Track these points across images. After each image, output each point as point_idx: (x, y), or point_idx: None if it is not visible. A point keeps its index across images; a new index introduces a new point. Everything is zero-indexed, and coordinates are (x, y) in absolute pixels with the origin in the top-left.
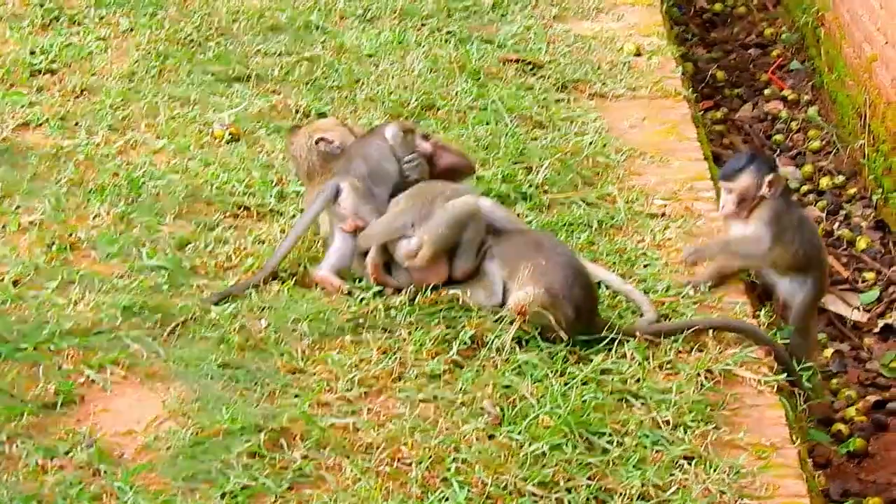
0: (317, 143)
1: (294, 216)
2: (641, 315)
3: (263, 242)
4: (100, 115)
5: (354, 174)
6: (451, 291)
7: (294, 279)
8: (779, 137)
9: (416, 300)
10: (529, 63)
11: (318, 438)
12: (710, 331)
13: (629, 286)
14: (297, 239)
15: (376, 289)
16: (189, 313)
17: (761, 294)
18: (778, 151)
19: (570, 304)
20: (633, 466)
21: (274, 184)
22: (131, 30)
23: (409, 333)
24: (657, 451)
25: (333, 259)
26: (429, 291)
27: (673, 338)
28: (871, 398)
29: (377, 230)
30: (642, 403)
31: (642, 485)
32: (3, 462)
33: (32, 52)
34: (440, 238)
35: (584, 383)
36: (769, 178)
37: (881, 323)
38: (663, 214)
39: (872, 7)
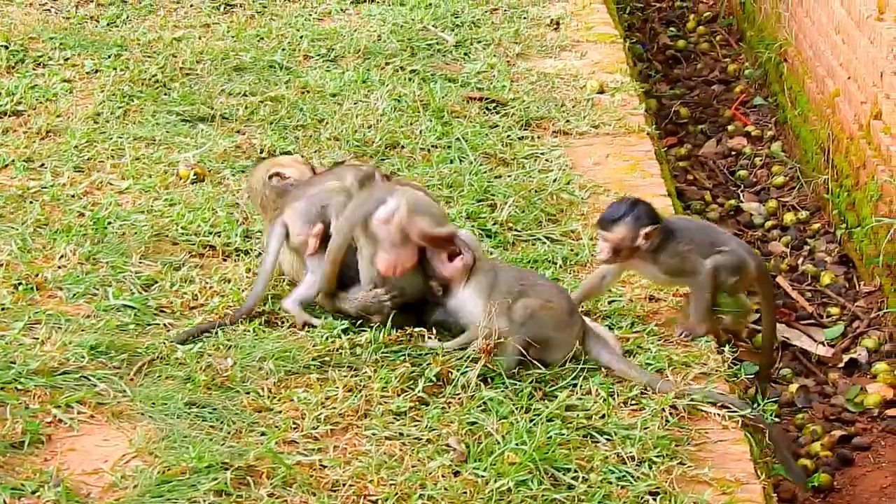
0: (271, 177)
1: (259, 255)
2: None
3: (229, 281)
4: (65, 156)
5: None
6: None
7: (259, 318)
8: (742, 173)
9: (381, 337)
10: (493, 101)
11: (284, 476)
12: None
13: (592, 322)
14: (266, 283)
15: (342, 326)
16: (155, 352)
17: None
18: (742, 187)
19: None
20: (599, 502)
21: (239, 223)
22: (96, 71)
23: (375, 371)
24: (622, 487)
25: (301, 290)
26: (394, 330)
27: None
28: (837, 433)
29: (347, 218)
30: (607, 439)
31: None
32: None
33: None
34: (416, 197)
35: (550, 420)
36: (645, 230)
37: (846, 358)
38: None
39: (835, 42)
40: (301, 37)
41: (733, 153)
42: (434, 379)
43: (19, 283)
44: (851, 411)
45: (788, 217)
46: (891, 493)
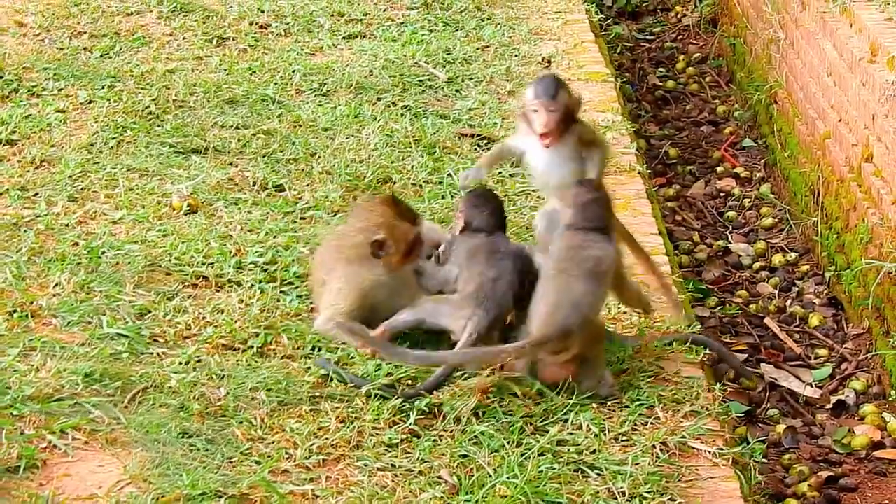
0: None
1: (252, 286)
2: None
3: (222, 312)
4: (59, 185)
5: None
6: None
7: (251, 349)
8: (731, 214)
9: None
10: (484, 138)
11: None
12: None
13: None
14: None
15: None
16: (149, 381)
17: None
18: (730, 228)
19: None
20: None
21: (232, 254)
22: (90, 102)
23: (367, 402)
24: None
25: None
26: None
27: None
28: (824, 474)
29: None
30: (598, 474)
31: None
32: None
33: None
34: None
35: (541, 454)
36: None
37: (834, 399)
38: None
39: (826, 84)
40: (293, 71)
41: (722, 194)
42: (426, 410)
43: (14, 311)
44: (839, 452)
45: (777, 258)
46: None
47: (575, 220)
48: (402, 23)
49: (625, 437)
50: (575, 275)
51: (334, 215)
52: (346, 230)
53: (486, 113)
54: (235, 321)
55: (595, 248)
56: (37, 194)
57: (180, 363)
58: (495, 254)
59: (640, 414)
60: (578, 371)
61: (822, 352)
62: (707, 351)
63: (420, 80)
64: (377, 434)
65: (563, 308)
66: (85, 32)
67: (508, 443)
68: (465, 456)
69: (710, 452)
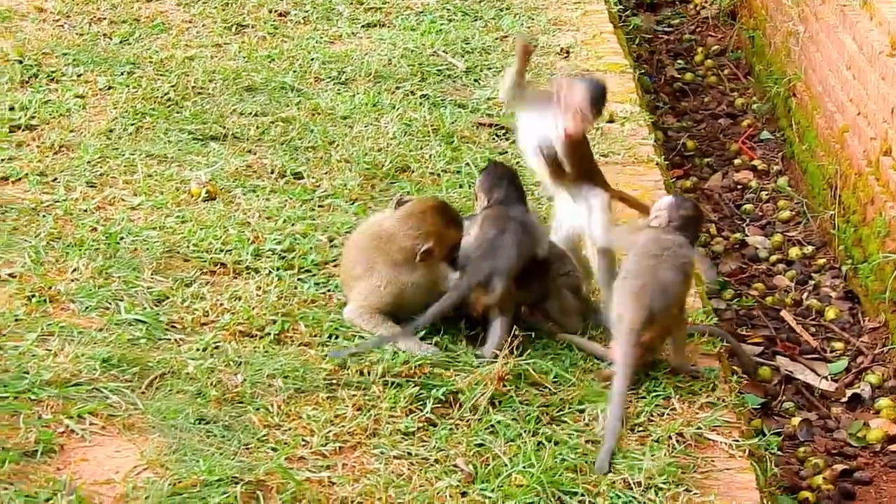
0: None
1: (270, 273)
2: None
3: (240, 299)
4: (78, 171)
5: None
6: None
7: (269, 336)
8: (748, 207)
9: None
10: (502, 127)
11: (293, 492)
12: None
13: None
14: None
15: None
16: (167, 367)
17: None
18: (747, 221)
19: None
20: None
21: (250, 241)
22: (109, 88)
23: (384, 391)
24: None
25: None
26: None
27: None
28: (839, 467)
29: None
30: (613, 464)
31: None
32: None
33: (11, 108)
34: None
35: (557, 443)
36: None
37: (849, 392)
38: None
39: (845, 78)
40: (312, 59)
41: (739, 187)
42: (442, 400)
43: (33, 296)
44: (854, 446)
45: (794, 251)
46: None
47: (671, 225)
48: (421, 12)
49: (641, 428)
50: (668, 267)
51: (352, 203)
52: (394, 230)
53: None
54: (253, 308)
55: (688, 249)
56: (55, 179)
57: (198, 349)
58: (501, 218)
59: (656, 405)
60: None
61: (838, 345)
62: (724, 343)
63: (438, 70)
64: (394, 422)
65: (655, 293)
66: (104, 18)
67: (525, 432)
68: (481, 445)
69: (726, 444)
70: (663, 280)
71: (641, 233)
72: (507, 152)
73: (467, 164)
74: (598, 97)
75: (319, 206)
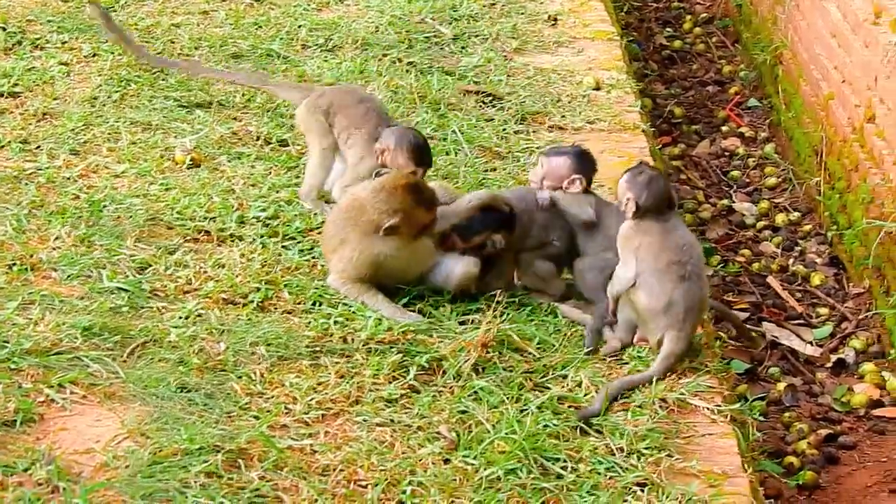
0: None
1: (254, 241)
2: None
3: (223, 266)
4: (62, 138)
5: None
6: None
7: (252, 303)
8: (735, 174)
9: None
10: (489, 95)
11: (275, 460)
12: None
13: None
14: None
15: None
16: (148, 335)
17: None
18: (734, 187)
19: None
20: (587, 492)
21: (234, 209)
22: (94, 55)
23: (367, 358)
24: (611, 478)
25: None
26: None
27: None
28: (823, 432)
29: None
30: (597, 431)
31: None
32: None
33: None
34: None
35: (540, 410)
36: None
37: (833, 358)
38: None
39: (830, 46)
40: (299, 26)
41: (726, 154)
42: (425, 367)
43: (14, 264)
44: (838, 411)
45: (780, 218)
46: (875, 491)
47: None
48: None
49: (623, 394)
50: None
51: None
52: (364, 202)
53: (491, 70)
54: (236, 276)
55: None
56: (39, 147)
57: (180, 318)
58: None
59: (639, 370)
60: None
61: (823, 311)
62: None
63: (426, 37)
64: (377, 389)
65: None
66: None
67: (508, 399)
68: (464, 412)
69: (708, 409)
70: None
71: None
72: (493, 119)
73: (454, 131)
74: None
75: (304, 174)
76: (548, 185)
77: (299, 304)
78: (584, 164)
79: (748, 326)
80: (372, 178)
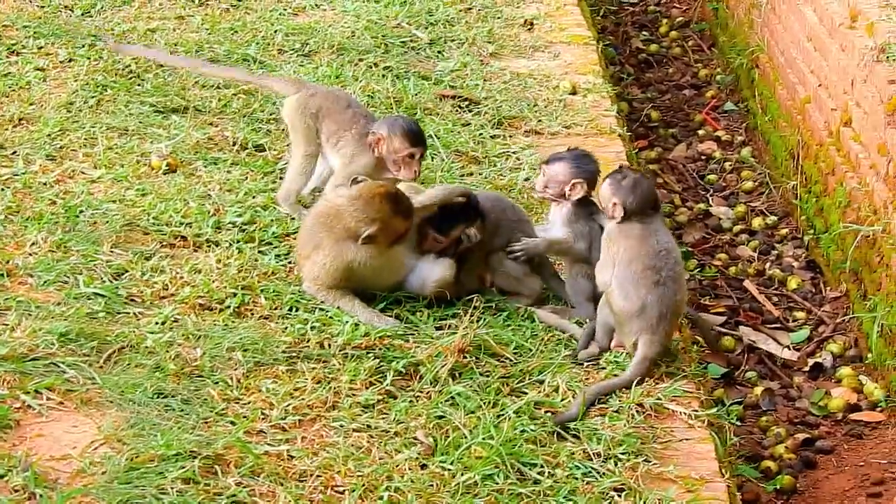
0: None
1: (230, 246)
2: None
3: (200, 272)
4: (38, 143)
5: None
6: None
7: (228, 309)
8: (712, 177)
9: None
10: (466, 99)
11: (252, 465)
12: None
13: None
14: None
15: (314, 321)
16: (125, 341)
17: None
18: (711, 191)
19: None
20: (564, 497)
21: (210, 214)
22: (70, 60)
23: (344, 363)
24: (588, 483)
25: None
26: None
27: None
28: (800, 436)
29: None
30: (574, 436)
31: None
32: None
33: None
34: None
35: (517, 415)
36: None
37: (811, 362)
38: None
39: (806, 49)
40: (275, 31)
41: (703, 157)
42: (402, 372)
43: None
44: (815, 415)
45: (757, 222)
46: (852, 496)
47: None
48: None
49: (601, 399)
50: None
51: None
52: (341, 209)
53: (467, 74)
54: (213, 281)
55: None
56: (15, 152)
57: (157, 323)
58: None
59: (615, 375)
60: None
61: (800, 314)
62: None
63: (402, 42)
64: (353, 395)
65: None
66: None
67: (485, 404)
68: (441, 417)
69: (685, 414)
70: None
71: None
72: (469, 124)
73: (431, 136)
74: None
75: (281, 179)
76: (551, 194)
77: (276, 309)
78: (584, 167)
79: (723, 330)
80: (348, 186)
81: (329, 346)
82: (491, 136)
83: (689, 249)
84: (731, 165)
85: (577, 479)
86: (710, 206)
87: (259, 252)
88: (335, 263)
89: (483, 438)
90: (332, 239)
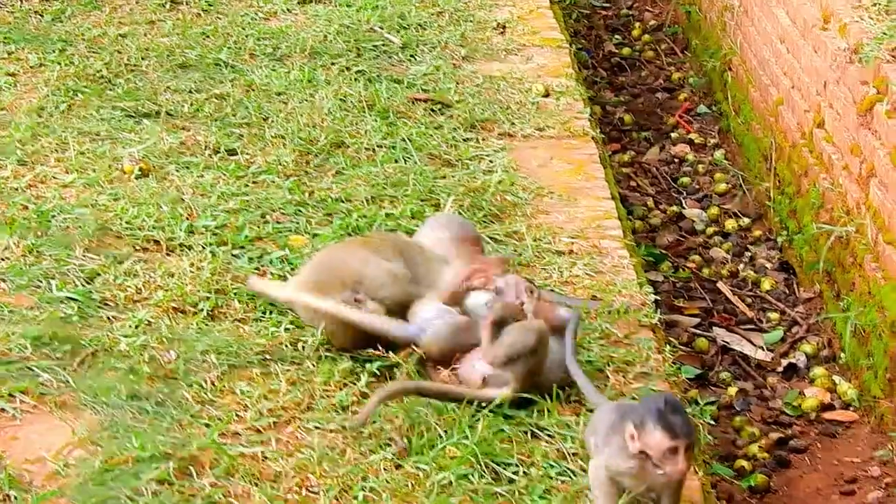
0: None
1: (203, 249)
2: None
3: (173, 276)
4: (9, 149)
5: None
6: None
7: (202, 312)
8: (685, 180)
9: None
10: (438, 103)
11: (227, 467)
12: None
13: None
14: None
15: (287, 324)
16: (98, 344)
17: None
18: (684, 194)
19: None
20: (539, 496)
21: (183, 218)
22: (41, 65)
23: (318, 365)
24: (563, 482)
25: None
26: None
27: None
28: (774, 436)
29: None
30: (549, 436)
31: None
32: None
33: None
34: None
35: (493, 414)
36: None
37: (784, 362)
38: (571, 252)
39: (779, 51)
40: (247, 35)
41: (676, 160)
42: (377, 374)
43: None
44: (789, 415)
45: (730, 224)
46: (826, 494)
47: None
48: None
49: (576, 399)
50: None
51: (287, 179)
52: None
53: (440, 78)
54: (186, 284)
55: None
56: None
57: (130, 326)
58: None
59: (590, 377)
60: None
61: (774, 315)
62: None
63: (374, 46)
64: (328, 396)
65: None
66: None
67: (459, 405)
68: (415, 417)
69: None
70: None
71: None
72: (442, 127)
73: (403, 139)
74: None
75: (254, 183)
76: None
77: (249, 312)
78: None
79: (698, 332)
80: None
81: (303, 347)
82: (464, 139)
83: (663, 252)
84: (704, 168)
85: (551, 478)
86: (684, 208)
87: (232, 255)
88: None
89: (458, 439)
90: None
